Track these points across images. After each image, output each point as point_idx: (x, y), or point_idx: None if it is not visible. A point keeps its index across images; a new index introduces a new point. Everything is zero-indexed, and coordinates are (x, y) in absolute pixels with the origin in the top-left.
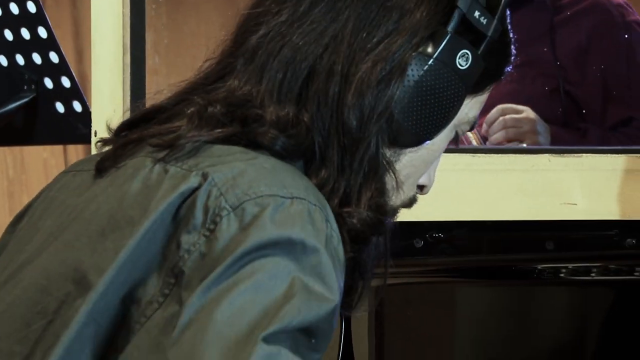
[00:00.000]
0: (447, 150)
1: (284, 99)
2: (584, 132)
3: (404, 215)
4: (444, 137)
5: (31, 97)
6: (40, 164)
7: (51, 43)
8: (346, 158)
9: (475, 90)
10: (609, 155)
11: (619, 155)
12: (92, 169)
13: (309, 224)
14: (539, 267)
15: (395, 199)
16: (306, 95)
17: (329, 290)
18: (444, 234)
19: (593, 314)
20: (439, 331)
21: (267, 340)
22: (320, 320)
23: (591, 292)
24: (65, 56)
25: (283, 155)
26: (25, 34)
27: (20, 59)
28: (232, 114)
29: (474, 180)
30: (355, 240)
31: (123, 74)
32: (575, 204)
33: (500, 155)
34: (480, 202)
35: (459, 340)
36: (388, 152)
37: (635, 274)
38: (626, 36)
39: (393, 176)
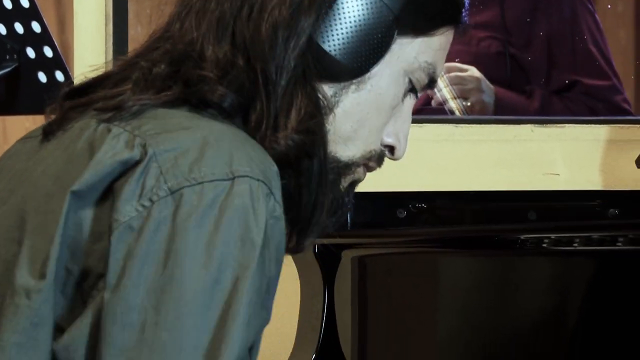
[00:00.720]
0: (430, 121)
1: (221, 38)
2: (530, 93)
3: (387, 186)
4: (390, 81)
5: (13, 66)
6: (22, 134)
7: (33, 13)
8: (275, 90)
9: (420, 30)
10: (591, 125)
11: (602, 125)
12: (41, 134)
13: (248, 214)
14: (522, 237)
15: (352, 148)
16: (236, 32)
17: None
18: (426, 204)
19: (575, 284)
20: (422, 301)
21: None
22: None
23: (573, 262)
24: (47, 26)
25: (230, 112)
26: (7, 3)
27: (2, 29)
28: (176, 75)
29: (456, 150)
30: (286, 164)
31: (105, 43)
32: (558, 175)
33: (482, 125)
34: (462, 173)
35: (442, 310)
36: (325, 88)
37: (618, 244)
38: (571, 3)
39: (342, 121)
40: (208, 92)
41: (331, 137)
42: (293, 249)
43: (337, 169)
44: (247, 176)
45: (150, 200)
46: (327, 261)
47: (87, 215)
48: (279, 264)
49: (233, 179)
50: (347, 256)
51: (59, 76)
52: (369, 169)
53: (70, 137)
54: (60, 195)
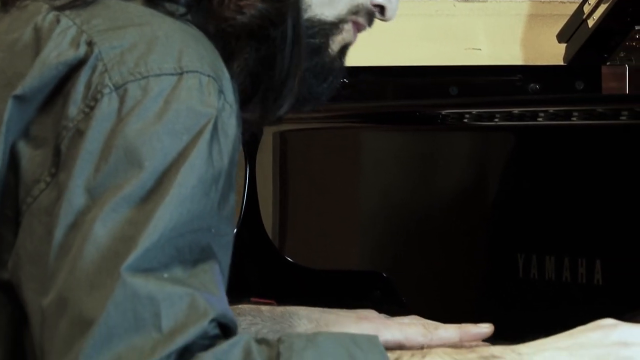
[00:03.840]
0: None
1: None
2: None
3: None
4: None
5: None
6: None
7: None
8: None
9: None
10: (514, 0)
11: (524, 0)
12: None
13: (195, 106)
14: (443, 112)
15: (337, 5)
16: None
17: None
18: (349, 79)
19: (496, 158)
20: (343, 176)
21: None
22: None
23: (494, 137)
24: None
25: (187, 3)
26: None
27: None
28: None
29: (378, 25)
30: (251, 35)
31: None
32: (480, 49)
33: (405, 0)
34: (385, 48)
35: (363, 185)
36: None
37: (539, 119)
38: None
39: None
40: None
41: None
42: (269, 119)
43: (324, 31)
44: (196, 71)
45: (95, 99)
46: (249, 136)
47: (31, 118)
48: (231, 157)
49: (181, 73)
50: (268, 131)
51: None
52: (359, 28)
53: (20, 20)
54: (3, 97)
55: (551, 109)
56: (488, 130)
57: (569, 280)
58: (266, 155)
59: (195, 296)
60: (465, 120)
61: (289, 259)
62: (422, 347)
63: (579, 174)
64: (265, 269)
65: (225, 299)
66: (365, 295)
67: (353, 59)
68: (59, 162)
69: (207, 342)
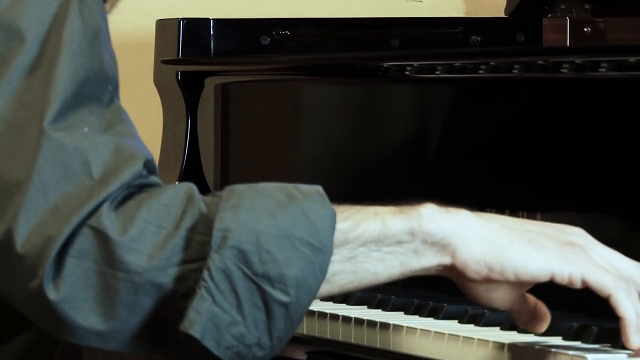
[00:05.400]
0: None
1: None
2: None
3: (250, 13)
4: None
5: None
6: None
7: None
8: None
9: None
10: None
11: None
12: None
13: None
14: (385, 65)
15: None
16: None
17: None
18: (290, 31)
19: (438, 111)
20: (284, 129)
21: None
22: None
23: (436, 89)
24: None
25: None
26: None
27: None
28: None
29: None
30: None
31: None
32: (421, 2)
33: None
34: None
35: (304, 138)
36: None
37: (480, 71)
38: None
39: None
40: None
41: None
42: None
43: None
44: None
45: None
46: (190, 88)
47: None
48: (102, 14)
49: None
50: (210, 83)
51: None
52: None
53: None
54: None
55: (492, 62)
56: (429, 83)
57: None
58: (207, 108)
59: (119, 142)
60: (407, 73)
61: None
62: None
63: (520, 126)
64: None
65: (145, 145)
66: None
67: (294, 11)
68: None
69: (142, 183)
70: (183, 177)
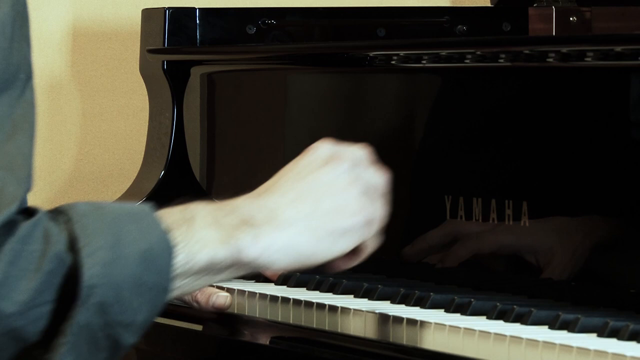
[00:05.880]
0: None
1: None
2: None
3: (236, 2)
4: None
5: None
6: None
7: None
8: None
9: None
10: None
11: None
12: None
13: None
14: (371, 54)
15: None
16: None
17: None
18: (276, 20)
19: (424, 101)
20: (270, 119)
21: None
22: None
23: (422, 79)
24: None
25: None
26: None
27: None
28: None
29: None
30: None
31: None
32: None
33: None
34: None
35: (290, 127)
36: None
37: (466, 61)
38: None
39: None
40: None
41: None
42: None
43: None
44: None
45: None
46: (176, 78)
47: None
48: (12, 4)
49: None
50: (196, 72)
51: None
52: None
53: None
54: None
55: (478, 51)
56: (415, 72)
57: (496, 222)
58: (193, 97)
59: (5, 181)
60: (393, 62)
61: (216, 200)
62: None
63: (506, 115)
64: None
65: (31, 169)
66: None
67: (280, 0)
68: None
69: (7, 229)
70: (169, 168)
